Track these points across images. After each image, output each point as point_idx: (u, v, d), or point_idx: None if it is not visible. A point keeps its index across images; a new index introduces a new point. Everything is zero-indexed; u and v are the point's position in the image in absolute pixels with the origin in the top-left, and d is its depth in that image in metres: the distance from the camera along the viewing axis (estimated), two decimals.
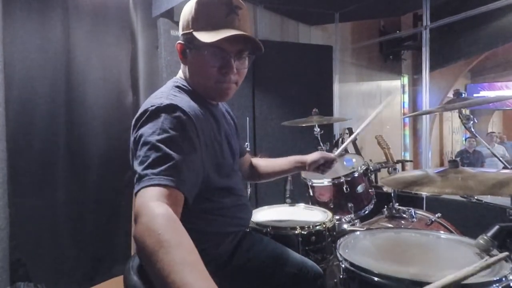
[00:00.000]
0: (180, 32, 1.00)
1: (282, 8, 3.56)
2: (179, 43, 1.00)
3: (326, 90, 3.52)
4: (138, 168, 0.77)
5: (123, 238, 2.28)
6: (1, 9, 1.75)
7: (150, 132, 0.81)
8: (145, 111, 0.87)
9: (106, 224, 2.20)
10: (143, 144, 0.80)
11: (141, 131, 0.84)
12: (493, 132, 7.97)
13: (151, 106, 0.87)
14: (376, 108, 1.64)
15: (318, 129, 2.18)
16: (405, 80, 5.96)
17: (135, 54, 2.36)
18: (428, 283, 0.66)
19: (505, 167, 1.32)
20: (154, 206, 0.68)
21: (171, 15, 2.51)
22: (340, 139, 3.65)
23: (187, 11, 0.98)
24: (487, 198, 1.39)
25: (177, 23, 2.58)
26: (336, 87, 3.96)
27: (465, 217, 2.08)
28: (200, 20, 0.95)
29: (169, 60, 2.43)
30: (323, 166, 1.41)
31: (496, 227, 1.01)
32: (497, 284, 0.86)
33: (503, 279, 0.87)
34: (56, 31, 1.97)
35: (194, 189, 0.84)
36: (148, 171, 0.74)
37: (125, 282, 1.14)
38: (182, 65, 1.05)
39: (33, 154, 1.89)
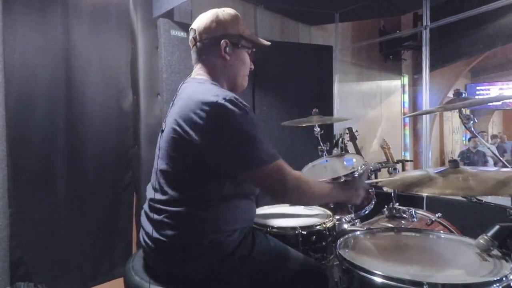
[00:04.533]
0: (221, 32, 1.16)
1: (282, 8, 3.56)
2: (225, 41, 1.15)
3: (326, 90, 3.52)
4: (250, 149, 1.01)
5: (124, 238, 2.29)
6: (1, 9, 1.75)
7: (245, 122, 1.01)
8: (216, 103, 0.99)
9: (106, 224, 2.20)
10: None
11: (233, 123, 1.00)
12: (484, 132, 8.00)
13: (223, 99, 1.00)
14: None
15: (318, 129, 2.17)
16: (405, 80, 5.96)
17: (135, 54, 2.36)
18: (428, 283, 0.67)
19: (504, 166, 1.32)
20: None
21: (171, 15, 2.51)
22: (340, 139, 3.65)
23: (231, 17, 1.19)
24: (487, 198, 1.39)
25: (177, 23, 2.59)
26: (336, 87, 3.96)
27: (465, 217, 2.08)
28: (244, 28, 1.21)
29: (169, 60, 2.42)
30: None
31: (496, 227, 1.01)
32: (497, 284, 0.86)
33: (503, 279, 0.87)
34: (56, 31, 1.97)
35: None
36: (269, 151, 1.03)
37: (125, 282, 1.14)
38: (214, 62, 1.18)
39: (33, 154, 1.89)
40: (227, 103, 1.00)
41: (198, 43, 1.20)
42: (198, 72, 1.20)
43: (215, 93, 1.03)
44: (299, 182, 1.08)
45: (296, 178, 1.08)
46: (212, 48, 1.18)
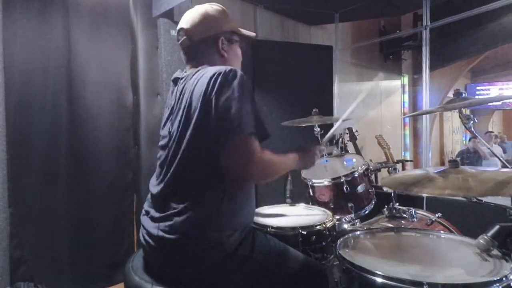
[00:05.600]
0: (215, 32, 1.16)
1: (282, 8, 3.56)
2: (220, 39, 1.16)
3: (326, 90, 3.52)
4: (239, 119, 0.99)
5: (125, 239, 2.28)
6: (1, 9, 1.75)
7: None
8: (228, 69, 1.03)
9: (107, 224, 2.19)
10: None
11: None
12: (492, 132, 7.99)
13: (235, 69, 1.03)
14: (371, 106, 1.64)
15: (318, 129, 2.17)
16: (405, 80, 5.96)
17: (135, 54, 2.36)
18: (428, 283, 0.67)
19: (504, 166, 1.32)
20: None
21: (171, 15, 2.51)
22: (340, 139, 3.65)
23: (221, 13, 1.19)
24: (487, 198, 1.39)
25: (177, 23, 2.58)
26: (336, 87, 3.96)
27: (465, 217, 2.08)
28: (233, 22, 1.21)
29: (169, 60, 2.42)
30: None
31: (496, 227, 1.01)
32: (498, 284, 0.86)
33: (504, 279, 0.87)
34: (56, 31, 1.97)
35: None
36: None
37: (125, 282, 1.14)
38: (213, 60, 1.16)
39: (33, 154, 1.89)
40: (238, 71, 1.04)
41: (192, 45, 1.17)
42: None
43: (227, 67, 1.05)
44: (264, 163, 1.06)
45: (264, 160, 1.06)
46: (209, 47, 1.17)
